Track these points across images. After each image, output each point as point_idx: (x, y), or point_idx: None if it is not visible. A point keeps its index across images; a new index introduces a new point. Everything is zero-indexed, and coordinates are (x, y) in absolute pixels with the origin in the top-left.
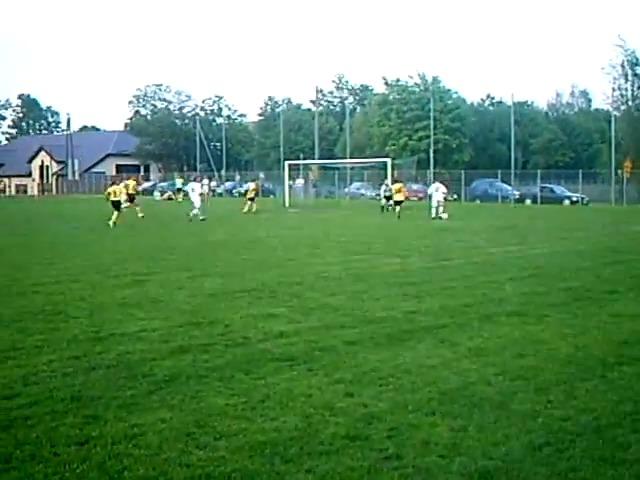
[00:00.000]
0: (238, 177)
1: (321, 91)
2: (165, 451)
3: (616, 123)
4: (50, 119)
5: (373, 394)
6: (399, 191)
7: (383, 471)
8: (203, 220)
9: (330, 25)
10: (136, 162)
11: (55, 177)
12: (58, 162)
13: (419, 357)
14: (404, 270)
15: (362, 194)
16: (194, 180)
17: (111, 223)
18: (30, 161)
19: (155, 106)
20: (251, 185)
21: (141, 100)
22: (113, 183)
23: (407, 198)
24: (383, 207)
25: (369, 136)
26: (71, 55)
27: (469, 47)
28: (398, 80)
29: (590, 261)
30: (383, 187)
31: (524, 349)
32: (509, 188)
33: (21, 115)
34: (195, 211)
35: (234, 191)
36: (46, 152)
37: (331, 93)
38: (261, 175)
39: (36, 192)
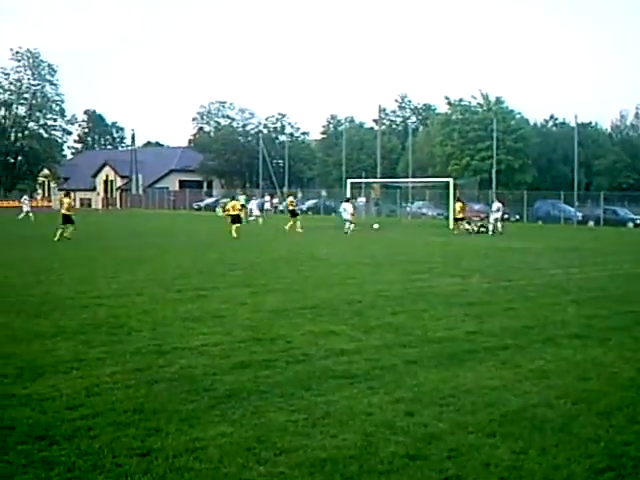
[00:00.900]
0: (300, 194)
1: (384, 110)
2: (225, 465)
3: None
4: (115, 134)
5: (433, 414)
6: (461, 210)
7: None
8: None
9: (393, 44)
10: (199, 178)
11: (119, 191)
12: (122, 177)
13: (480, 378)
14: (465, 290)
15: (423, 213)
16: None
17: (234, 234)
18: (95, 175)
19: (219, 123)
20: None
21: (205, 117)
22: (232, 198)
23: (469, 218)
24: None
25: (431, 156)
26: (137, 72)
27: (533, 67)
28: (461, 100)
29: None
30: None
31: (586, 372)
32: (572, 209)
33: (87, 130)
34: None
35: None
36: (110, 167)
37: (394, 112)
38: (323, 193)
39: (100, 206)
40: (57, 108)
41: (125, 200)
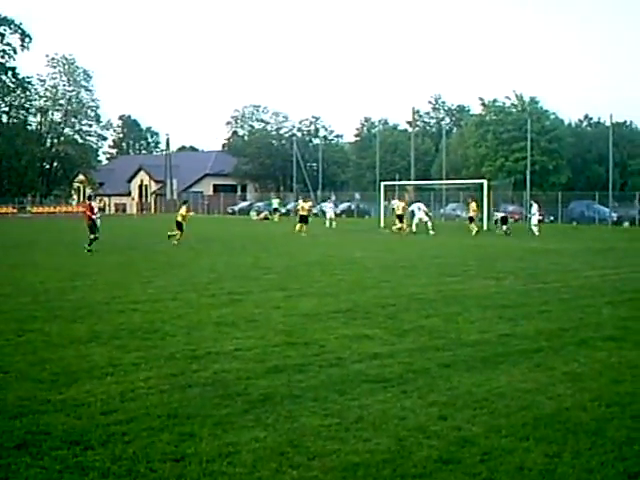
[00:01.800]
0: (334, 197)
1: (417, 112)
2: (259, 470)
3: None
4: (150, 139)
5: (467, 417)
6: (474, 209)
7: None
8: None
9: (427, 46)
10: (233, 182)
11: (154, 196)
12: (157, 181)
13: (514, 381)
14: (499, 292)
15: (457, 215)
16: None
17: (303, 234)
18: (130, 180)
19: (253, 127)
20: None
21: (239, 121)
22: (184, 203)
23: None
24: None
25: (465, 157)
26: (171, 76)
27: (567, 67)
28: (495, 101)
29: None
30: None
31: (621, 375)
32: (606, 210)
33: (122, 135)
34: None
35: None
36: (145, 172)
37: (427, 114)
38: (356, 196)
39: (135, 211)
40: (92, 114)
41: (160, 205)
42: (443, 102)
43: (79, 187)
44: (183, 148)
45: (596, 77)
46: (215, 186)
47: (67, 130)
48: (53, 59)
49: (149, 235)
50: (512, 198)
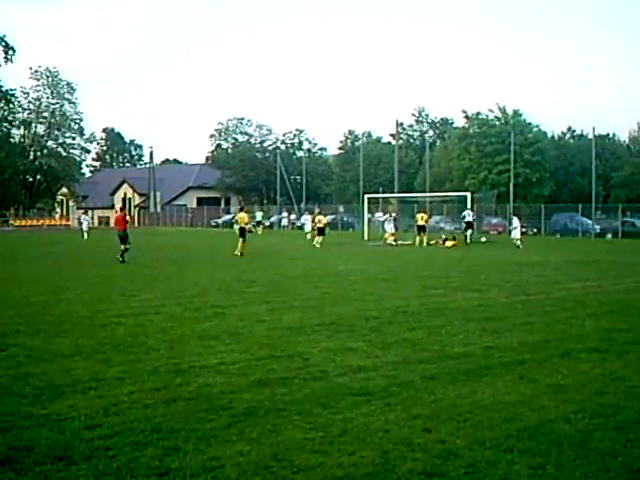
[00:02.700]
0: (317, 210)
1: (401, 124)
2: None
3: None
4: (133, 152)
5: (451, 430)
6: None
7: None
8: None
9: (410, 59)
10: (217, 195)
11: (137, 209)
12: (140, 194)
13: (497, 393)
14: (483, 305)
15: (441, 227)
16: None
17: (317, 245)
18: (113, 193)
19: (236, 139)
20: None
21: (222, 134)
22: (241, 209)
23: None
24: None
25: (449, 170)
26: (155, 90)
27: (550, 80)
28: (478, 113)
29: None
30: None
31: (604, 386)
32: (589, 222)
33: (105, 148)
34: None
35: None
36: (129, 184)
37: (411, 126)
38: (340, 209)
39: None
40: (76, 126)
41: (143, 218)
42: (427, 115)
43: (62, 200)
44: (167, 161)
45: (579, 90)
46: (199, 199)
47: (50, 143)
48: (37, 72)
49: (132, 248)
50: (496, 210)
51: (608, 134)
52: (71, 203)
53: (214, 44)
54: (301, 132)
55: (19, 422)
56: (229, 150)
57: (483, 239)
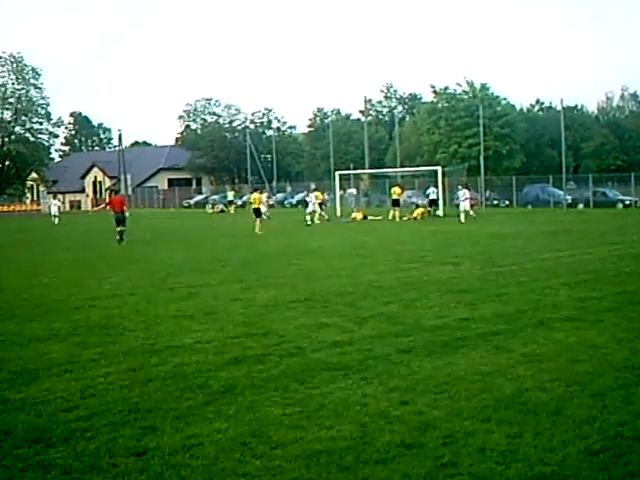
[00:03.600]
0: (289, 188)
1: (370, 101)
2: (222, 461)
3: None
4: (102, 136)
5: (428, 402)
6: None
7: (439, 479)
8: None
9: (377, 35)
10: (188, 176)
11: (108, 192)
12: (111, 177)
13: (473, 364)
14: (457, 277)
15: (413, 202)
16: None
17: (257, 231)
18: (83, 177)
19: (205, 120)
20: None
21: (191, 114)
22: (255, 190)
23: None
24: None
25: (419, 145)
26: (121, 72)
27: (518, 52)
28: (446, 88)
29: None
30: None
31: (579, 354)
32: (561, 193)
33: (73, 132)
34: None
35: (285, 202)
36: (99, 168)
37: (380, 103)
38: (312, 186)
39: (90, 207)
40: (42, 111)
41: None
42: (395, 90)
43: (32, 185)
44: (136, 143)
45: (546, 62)
46: (170, 180)
47: (18, 129)
48: (1, 58)
49: (104, 231)
50: (467, 184)
51: (577, 105)
52: (41, 188)
53: (180, 24)
54: (270, 111)
55: None
56: (198, 131)
57: (439, 212)
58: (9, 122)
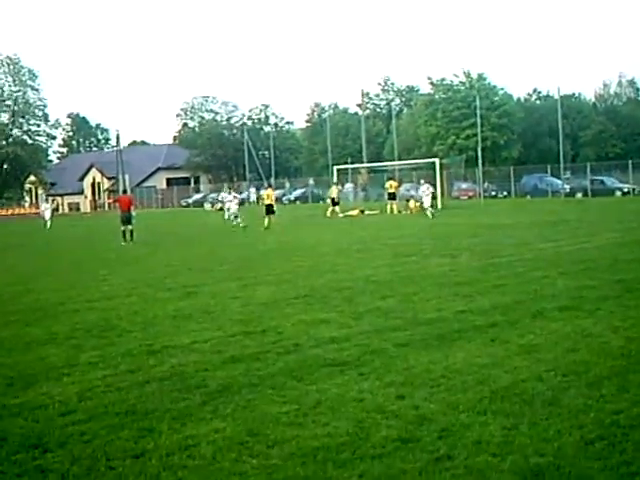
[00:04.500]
0: (287, 184)
1: (367, 94)
2: (219, 461)
3: None
4: (100, 136)
5: (424, 395)
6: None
7: (435, 473)
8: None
9: (374, 28)
10: (186, 175)
11: (107, 193)
12: (109, 178)
13: (470, 356)
14: (455, 270)
15: (412, 195)
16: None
17: (267, 226)
18: (82, 179)
19: (203, 118)
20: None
21: (189, 113)
22: (269, 186)
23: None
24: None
25: (416, 137)
26: (118, 72)
27: (513, 42)
28: (443, 79)
29: None
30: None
31: (576, 344)
32: (559, 182)
33: (71, 134)
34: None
35: (284, 199)
36: (97, 169)
37: (377, 96)
38: (310, 181)
39: (89, 209)
40: (40, 113)
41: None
42: (392, 83)
43: (31, 188)
44: (134, 143)
45: (543, 50)
46: (168, 179)
47: (15, 131)
48: None
49: (103, 233)
50: (465, 175)
51: (574, 93)
52: (40, 191)
53: (176, 22)
54: (267, 107)
55: None
56: (196, 129)
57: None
58: (6, 125)
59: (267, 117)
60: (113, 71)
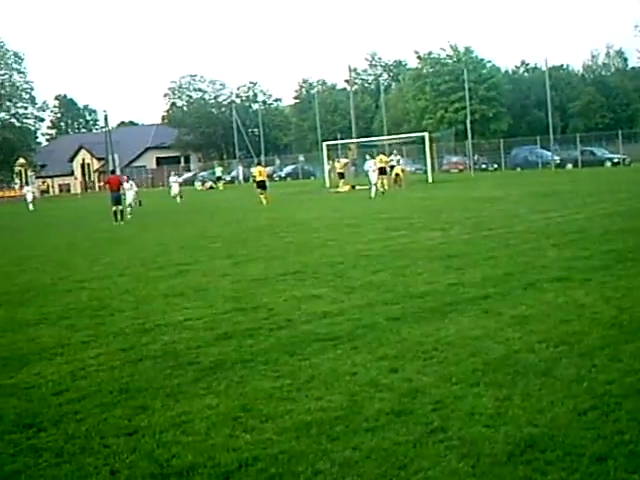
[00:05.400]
0: (278, 161)
1: (355, 70)
2: (213, 437)
3: None
4: (88, 117)
5: (417, 368)
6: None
7: (429, 444)
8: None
9: (360, 3)
10: (176, 154)
11: (97, 174)
12: (99, 159)
13: (462, 329)
14: (446, 243)
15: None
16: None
17: (265, 203)
18: (71, 160)
19: (191, 97)
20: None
21: (176, 92)
22: (259, 164)
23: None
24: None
25: (405, 111)
26: (104, 52)
27: (500, 14)
28: (430, 53)
29: (633, 222)
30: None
31: (567, 314)
32: (549, 154)
33: (59, 115)
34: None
35: (275, 175)
36: (86, 150)
37: (365, 71)
38: (300, 158)
39: (79, 190)
40: (27, 96)
41: (104, 182)
42: (379, 58)
43: (20, 171)
44: (123, 123)
45: (530, 22)
46: (158, 159)
47: (3, 114)
48: None
49: (94, 213)
50: (455, 149)
51: (562, 65)
52: (29, 173)
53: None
54: (255, 84)
55: None
56: (184, 108)
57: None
58: None
59: (255, 94)
60: (100, 52)
